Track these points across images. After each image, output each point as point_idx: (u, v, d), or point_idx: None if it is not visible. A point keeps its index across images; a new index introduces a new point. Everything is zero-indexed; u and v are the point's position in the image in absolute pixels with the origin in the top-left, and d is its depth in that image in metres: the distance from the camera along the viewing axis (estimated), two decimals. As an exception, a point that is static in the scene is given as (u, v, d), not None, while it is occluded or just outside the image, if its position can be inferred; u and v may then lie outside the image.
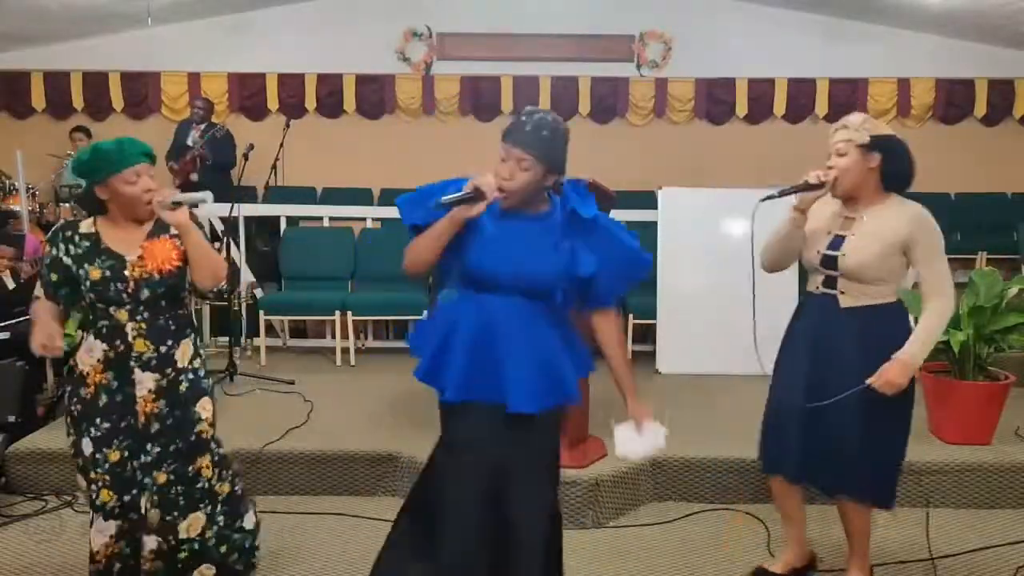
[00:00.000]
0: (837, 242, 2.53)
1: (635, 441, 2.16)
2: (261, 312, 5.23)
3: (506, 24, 8.23)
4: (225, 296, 2.53)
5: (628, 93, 8.41)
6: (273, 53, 8.25)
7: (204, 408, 2.48)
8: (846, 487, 2.59)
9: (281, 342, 5.70)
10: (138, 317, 2.36)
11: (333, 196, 7.70)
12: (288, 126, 7.30)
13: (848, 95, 8.24)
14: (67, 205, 7.19)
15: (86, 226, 2.40)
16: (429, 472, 2.27)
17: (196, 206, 2.41)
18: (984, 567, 2.96)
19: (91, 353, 2.38)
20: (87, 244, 2.37)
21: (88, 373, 2.38)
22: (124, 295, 2.34)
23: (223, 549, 2.55)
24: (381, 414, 4.06)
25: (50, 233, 2.41)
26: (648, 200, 5.56)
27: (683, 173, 7.49)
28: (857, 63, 8.20)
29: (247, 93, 8.40)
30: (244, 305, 5.48)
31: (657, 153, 8.17)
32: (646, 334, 5.30)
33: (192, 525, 2.47)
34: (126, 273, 2.34)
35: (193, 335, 2.51)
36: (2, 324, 4.10)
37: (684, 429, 3.84)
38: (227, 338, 4.93)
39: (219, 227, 5.12)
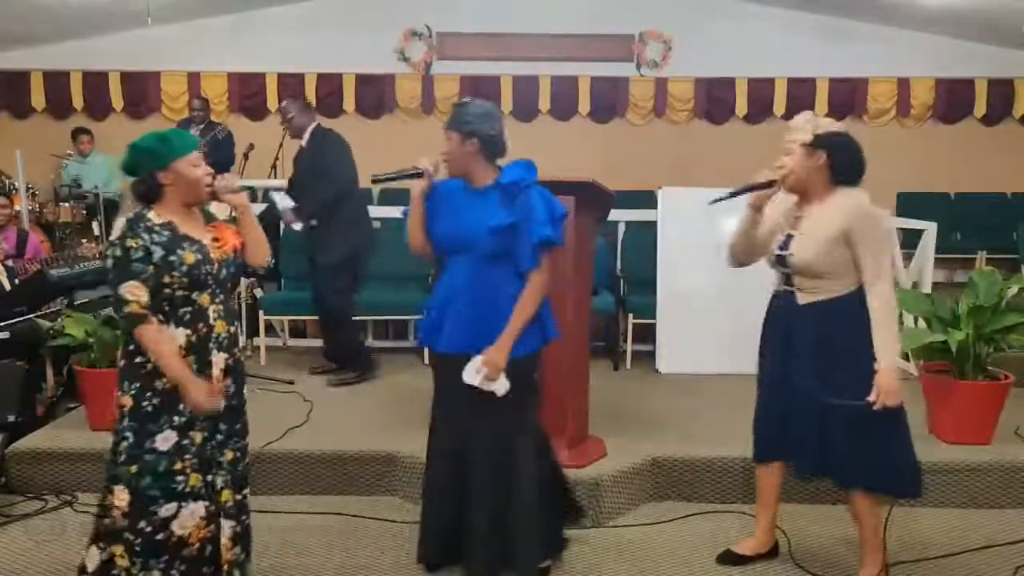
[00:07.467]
0: (786, 241, 2.63)
1: (471, 373, 2.55)
2: (261, 312, 5.24)
3: (506, 24, 8.22)
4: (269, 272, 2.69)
5: (628, 93, 8.41)
6: (273, 53, 8.25)
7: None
8: (862, 481, 2.61)
9: (281, 342, 5.70)
10: (216, 300, 2.44)
11: (333, 196, 7.67)
12: (288, 126, 7.29)
13: (848, 95, 8.23)
14: (67, 205, 7.19)
15: (155, 216, 2.39)
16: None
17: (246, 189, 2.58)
18: (984, 567, 2.96)
19: (171, 343, 2.35)
20: (168, 232, 2.37)
21: None
22: (210, 277, 2.41)
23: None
24: (381, 414, 4.06)
25: (125, 226, 2.34)
26: (648, 200, 5.55)
27: (683, 173, 7.49)
28: (857, 63, 8.19)
29: (247, 93, 8.40)
30: (244, 305, 5.49)
31: (657, 153, 8.17)
32: (646, 334, 5.28)
33: (247, 500, 2.59)
34: (212, 256, 2.42)
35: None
36: (2, 324, 4.09)
37: (684, 429, 3.86)
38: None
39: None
